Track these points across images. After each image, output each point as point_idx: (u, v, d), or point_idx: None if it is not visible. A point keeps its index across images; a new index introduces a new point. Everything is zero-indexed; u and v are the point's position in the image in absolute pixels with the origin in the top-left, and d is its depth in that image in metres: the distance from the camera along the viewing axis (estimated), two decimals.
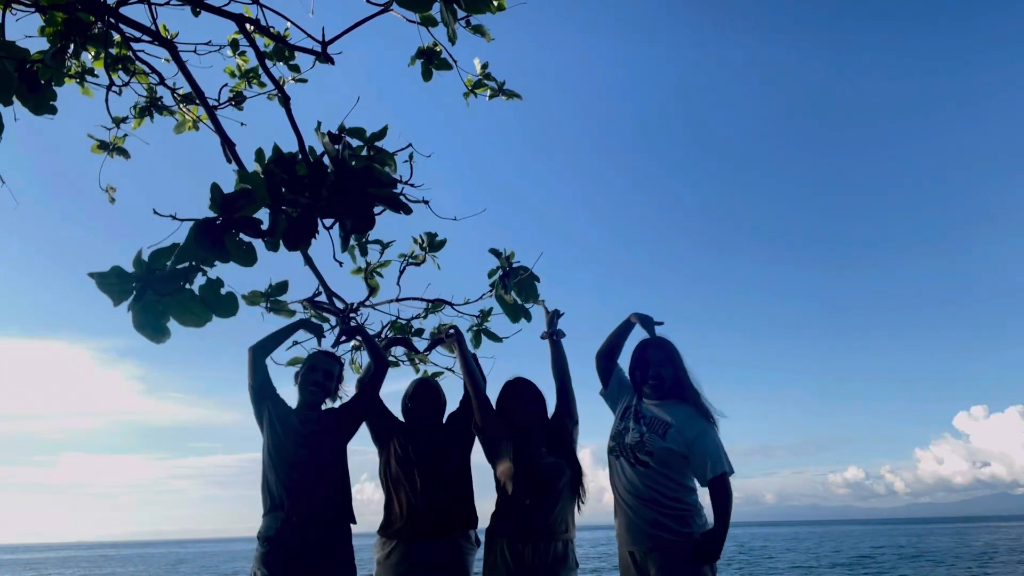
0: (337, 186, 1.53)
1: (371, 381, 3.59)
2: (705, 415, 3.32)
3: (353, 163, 1.58)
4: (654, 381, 3.38)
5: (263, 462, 3.33)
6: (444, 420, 3.66)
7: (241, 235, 1.53)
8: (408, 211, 1.63)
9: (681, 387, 3.38)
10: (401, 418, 3.65)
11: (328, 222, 1.67)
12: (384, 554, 3.35)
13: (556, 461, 3.37)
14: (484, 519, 3.49)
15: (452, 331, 3.81)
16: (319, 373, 3.46)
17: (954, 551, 36.64)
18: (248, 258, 1.55)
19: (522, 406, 3.50)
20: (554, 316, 3.81)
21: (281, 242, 1.58)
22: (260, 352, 3.41)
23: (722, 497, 3.17)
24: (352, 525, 3.43)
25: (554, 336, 3.75)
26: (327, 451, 3.36)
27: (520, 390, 3.56)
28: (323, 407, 3.54)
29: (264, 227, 1.55)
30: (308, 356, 3.62)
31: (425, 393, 3.63)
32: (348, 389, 3.69)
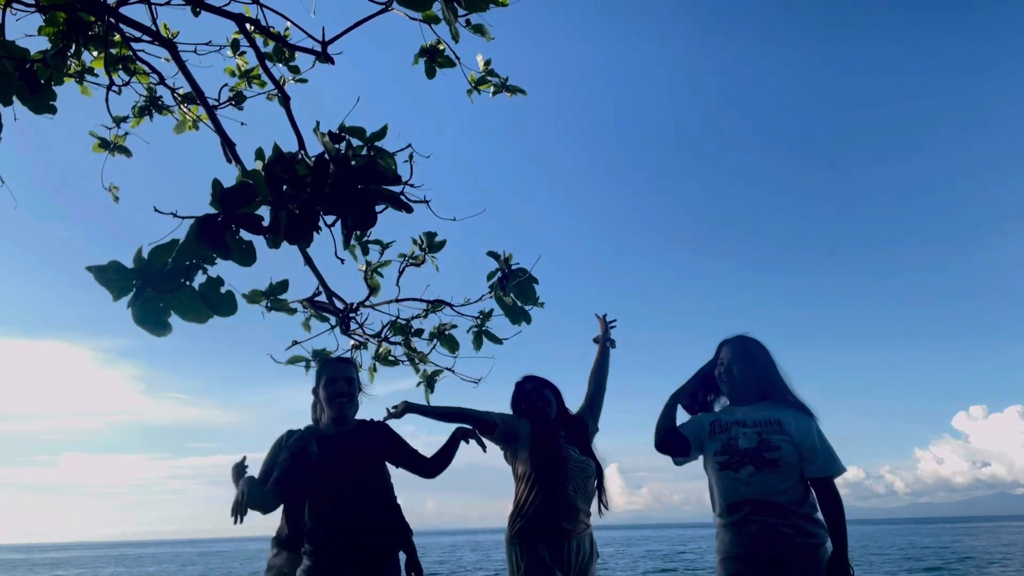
0: (340, 182, 1.53)
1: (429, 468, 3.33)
2: (802, 408, 3.01)
3: (354, 162, 1.58)
4: (726, 377, 3.10)
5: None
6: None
7: (242, 232, 1.52)
8: (409, 210, 1.63)
9: (763, 386, 3.07)
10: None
11: (330, 220, 1.67)
12: (301, 570, 3.01)
13: (586, 460, 3.41)
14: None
15: (395, 409, 3.48)
16: (340, 383, 3.21)
17: (995, 552, 36.07)
18: (247, 257, 1.54)
19: (537, 403, 3.51)
20: (609, 324, 3.90)
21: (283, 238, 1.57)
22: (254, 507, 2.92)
23: (834, 505, 2.86)
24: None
25: (607, 343, 3.82)
26: (370, 473, 3.17)
27: (531, 388, 3.58)
28: (356, 416, 3.31)
29: (265, 223, 1.55)
30: (319, 371, 3.36)
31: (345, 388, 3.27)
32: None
